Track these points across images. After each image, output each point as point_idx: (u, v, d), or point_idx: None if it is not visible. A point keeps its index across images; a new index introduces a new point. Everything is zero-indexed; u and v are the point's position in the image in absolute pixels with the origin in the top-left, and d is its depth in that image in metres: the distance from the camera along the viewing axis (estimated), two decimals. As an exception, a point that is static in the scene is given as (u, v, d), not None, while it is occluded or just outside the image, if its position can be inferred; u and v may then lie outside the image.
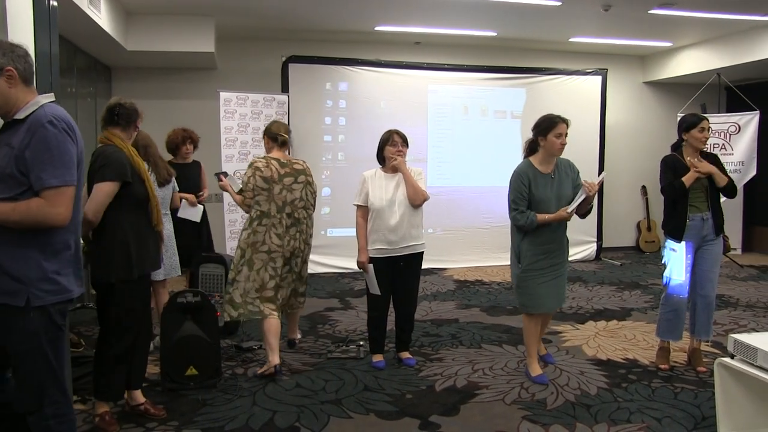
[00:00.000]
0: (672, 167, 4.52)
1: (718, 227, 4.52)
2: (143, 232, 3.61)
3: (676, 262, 4.52)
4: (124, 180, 3.44)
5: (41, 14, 3.33)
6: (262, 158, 4.63)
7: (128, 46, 7.23)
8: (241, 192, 4.61)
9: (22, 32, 3.45)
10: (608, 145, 9.43)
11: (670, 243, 4.57)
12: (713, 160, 4.59)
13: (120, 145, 3.55)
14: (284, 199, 4.54)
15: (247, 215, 4.60)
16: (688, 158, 4.49)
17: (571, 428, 3.63)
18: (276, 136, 4.73)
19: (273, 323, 4.45)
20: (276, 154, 4.69)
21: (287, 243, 4.53)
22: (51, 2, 3.37)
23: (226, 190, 4.98)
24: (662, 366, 4.63)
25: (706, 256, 4.53)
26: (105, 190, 3.40)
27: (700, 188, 4.49)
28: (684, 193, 4.43)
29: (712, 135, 4.64)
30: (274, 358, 4.41)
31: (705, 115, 4.75)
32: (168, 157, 5.71)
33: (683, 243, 4.48)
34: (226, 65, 8.63)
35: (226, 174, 5.16)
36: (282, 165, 4.60)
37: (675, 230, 4.52)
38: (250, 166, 4.58)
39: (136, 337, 3.68)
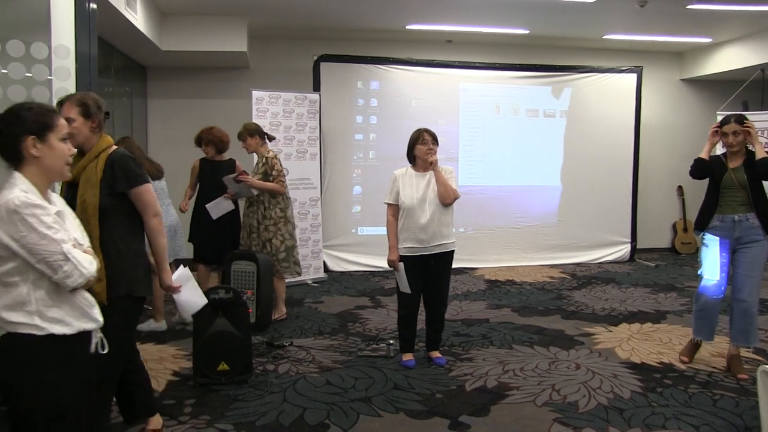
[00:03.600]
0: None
1: (766, 226, 4.35)
2: None
3: (709, 258, 4.43)
4: None
5: (82, 17, 3.41)
6: (275, 153, 5.85)
7: (163, 46, 7.32)
8: (273, 180, 5.65)
9: (64, 34, 3.53)
10: (643, 143, 9.28)
11: (705, 238, 4.50)
12: (750, 157, 4.44)
13: None
14: (287, 185, 5.88)
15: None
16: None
17: None
18: (268, 135, 5.97)
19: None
20: (269, 149, 5.88)
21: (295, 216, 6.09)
22: (91, 5, 3.43)
23: (255, 185, 5.64)
24: (683, 358, 4.63)
25: (742, 259, 4.39)
26: None
27: (734, 186, 4.37)
28: (700, 165, 4.52)
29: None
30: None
31: (744, 113, 4.63)
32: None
33: (717, 239, 4.40)
34: (259, 64, 8.68)
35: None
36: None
37: (698, 220, 4.57)
38: (275, 158, 5.75)
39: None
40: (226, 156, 5.99)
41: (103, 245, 2.94)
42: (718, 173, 4.43)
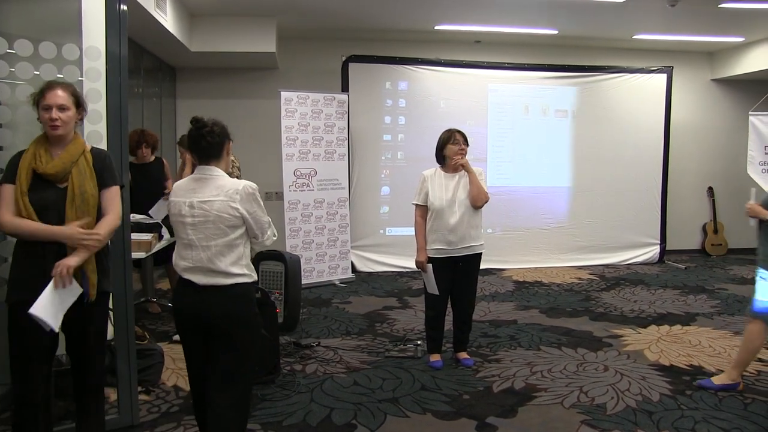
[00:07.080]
0: None
1: None
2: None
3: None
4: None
5: (112, 18, 3.45)
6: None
7: (192, 47, 7.40)
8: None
9: (95, 36, 3.58)
10: (673, 144, 9.17)
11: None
12: None
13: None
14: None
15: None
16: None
17: (633, 435, 3.56)
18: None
19: None
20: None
21: None
22: (121, 6, 3.47)
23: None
24: None
25: None
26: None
27: None
28: None
29: None
30: None
31: None
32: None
33: None
34: (287, 65, 8.74)
35: None
36: None
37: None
38: (233, 165, 5.91)
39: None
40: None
41: None
42: None
